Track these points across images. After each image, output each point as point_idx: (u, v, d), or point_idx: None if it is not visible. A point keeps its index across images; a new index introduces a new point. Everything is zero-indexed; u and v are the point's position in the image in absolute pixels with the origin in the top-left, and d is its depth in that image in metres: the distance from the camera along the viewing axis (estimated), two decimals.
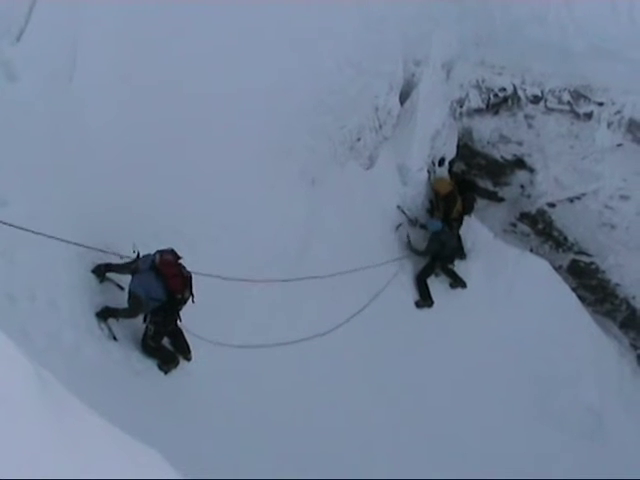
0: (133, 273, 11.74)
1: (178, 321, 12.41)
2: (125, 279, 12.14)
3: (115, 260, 12.06)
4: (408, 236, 19.22)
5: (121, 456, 4.18)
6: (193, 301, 12.11)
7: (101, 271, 12.03)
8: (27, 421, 3.57)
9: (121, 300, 12.11)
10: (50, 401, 3.88)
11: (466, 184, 20.76)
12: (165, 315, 12.15)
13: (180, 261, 11.97)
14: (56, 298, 11.11)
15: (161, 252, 11.87)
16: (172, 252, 11.95)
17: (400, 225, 19.30)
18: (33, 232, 9.94)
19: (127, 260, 11.77)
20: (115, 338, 11.87)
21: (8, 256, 10.58)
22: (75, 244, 10.92)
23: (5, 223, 9.33)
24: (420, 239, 19.24)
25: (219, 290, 13.36)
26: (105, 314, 11.80)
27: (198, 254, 13.52)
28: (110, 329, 11.84)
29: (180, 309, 12.15)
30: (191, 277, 12.00)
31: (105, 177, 12.67)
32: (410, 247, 19.13)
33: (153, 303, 11.85)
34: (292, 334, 14.53)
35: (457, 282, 19.75)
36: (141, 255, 11.80)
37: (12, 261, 10.62)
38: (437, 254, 19.15)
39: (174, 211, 13.66)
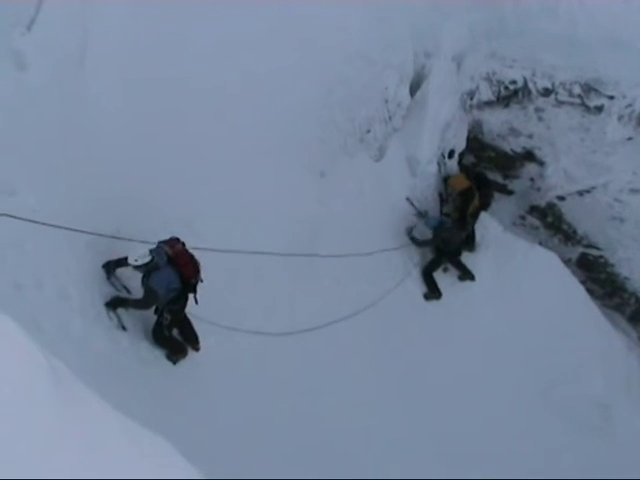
0: (150, 271, 11.71)
1: (190, 308, 12.49)
2: (134, 278, 12.19)
3: (125, 249, 12.04)
4: (412, 227, 19.15)
5: (129, 444, 4.20)
6: (202, 280, 12.27)
7: (111, 267, 11.99)
8: (39, 410, 3.58)
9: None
10: (61, 390, 3.89)
11: (482, 179, 20.68)
12: (181, 302, 12.28)
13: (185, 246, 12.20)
14: (65, 287, 11.13)
15: (166, 243, 11.99)
16: (178, 240, 12.13)
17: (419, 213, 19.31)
18: (41, 223, 9.94)
19: (142, 259, 11.64)
20: (124, 328, 11.86)
21: (17, 245, 10.59)
22: (82, 232, 10.90)
23: (12, 216, 9.31)
24: (424, 230, 19.18)
25: (229, 279, 13.43)
26: (115, 303, 11.78)
27: (206, 245, 13.55)
28: (120, 318, 11.83)
29: (195, 292, 12.30)
30: (197, 260, 12.20)
31: (114, 166, 12.68)
32: (410, 235, 19.10)
33: (172, 294, 11.99)
34: (300, 324, 14.59)
35: (466, 275, 19.73)
36: (146, 250, 11.72)
37: (21, 250, 10.64)
38: (442, 249, 19.16)
39: (183, 202, 13.66)
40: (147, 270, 11.67)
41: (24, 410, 3.47)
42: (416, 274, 19.21)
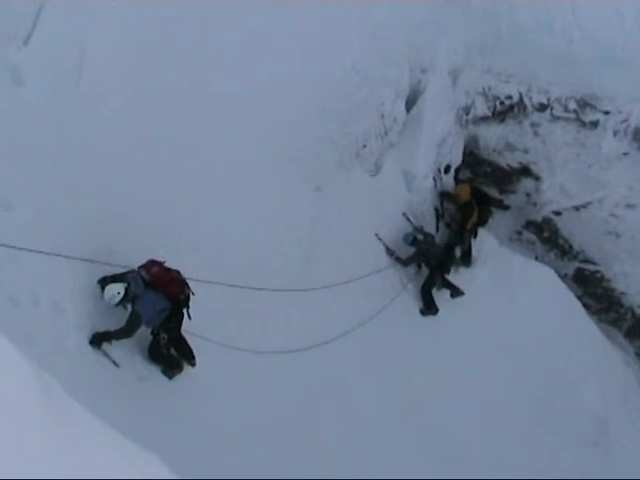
0: (133, 300, 11.64)
1: (186, 325, 12.41)
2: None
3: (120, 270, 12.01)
4: (390, 248, 19.08)
5: (122, 463, 4.18)
6: (193, 293, 12.23)
7: (106, 282, 11.76)
8: (27, 426, 3.58)
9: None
10: (51, 406, 3.88)
11: (482, 196, 20.69)
12: (175, 320, 12.22)
13: (165, 264, 12.11)
14: (61, 302, 11.12)
15: (143, 267, 11.94)
16: (154, 262, 12.06)
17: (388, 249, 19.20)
18: (31, 251, 9.98)
19: (115, 298, 11.47)
20: (116, 364, 11.66)
21: (13, 260, 10.58)
22: (74, 259, 10.90)
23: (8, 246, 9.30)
24: (400, 244, 19.13)
25: (224, 296, 13.39)
26: (98, 340, 11.47)
27: (203, 260, 13.56)
28: (107, 354, 11.62)
29: (188, 307, 12.24)
30: (182, 277, 12.15)
31: (110, 183, 12.68)
32: (392, 254, 19.02)
33: (162, 314, 11.95)
34: (296, 341, 14.61)
35: (456, 291, 19.70)
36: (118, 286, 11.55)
37: (17, 265, 10.62)
38: (428, 264, 19.20)
39: (179, 217, 13.66)
40: (130, 300, 11.62)
41: (11, 426, 3.46)
42: (412, 289, 19.21)
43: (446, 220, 20.62)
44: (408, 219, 19.44)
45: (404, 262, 18.87)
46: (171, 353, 12.57)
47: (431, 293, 19.17)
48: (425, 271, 19.42)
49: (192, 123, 14.39)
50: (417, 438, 15.63)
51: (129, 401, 11.19)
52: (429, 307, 19.13)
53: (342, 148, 17.87)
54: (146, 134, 13.55)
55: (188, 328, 12.53)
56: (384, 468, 14.14)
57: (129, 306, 11.70)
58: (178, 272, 12.13)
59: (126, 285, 11.51)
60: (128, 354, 12.05)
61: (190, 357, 12.82)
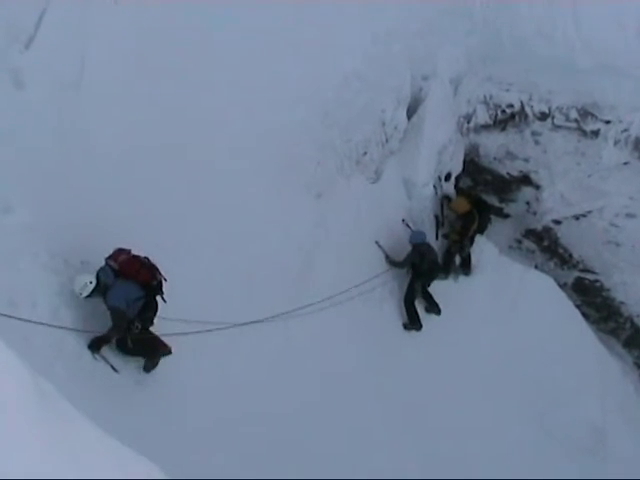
0: (104, 292, 11.43)
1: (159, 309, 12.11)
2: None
3: None
4: (384, 250, 19.00)
5: (117, 467, 4.18)
6: (165, 279, 11.99)
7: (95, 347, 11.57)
8: (24, 430, 3.57)
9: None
10: (47, 410, 3.88)
11: (482, 204, 20.68)
12: (150, 308, 11.96)
13: (132, 252, 11.89)
14: (59, 306, 11.13)
15: (111, 257, 11.70)
16: (120, 250, 11.82)
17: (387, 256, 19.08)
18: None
19: (85, 288, 11.23)
20: (115, 369, 11.66)
21: (12, 264, 10.60)
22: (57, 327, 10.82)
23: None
24: (399, 251, 19.05)
25: (223, 301, 13.39)
26: (96, 345, 11.46)
27: (202, 265, 13.56)
28: (106, 359, 11.61)
29: (162, 293, 12.02)
30: (151, 262, 11.96)
31: (110, 187, 12.70)
32: (388, 260, 18.90)
33: (137, 303, 11.70)
34: (295, 343, 14.63)
35: (432, 307, 19.33)
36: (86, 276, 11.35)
37: (16, 269, 10.65)
38: (417, 269, 18.85)
39: (178, 222, 13.65)
40: (101, 292, 11.41)
41: (7, 429, 3.47)
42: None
43: (443, 232, 20.58)
44: (407, 226, 19.37)
45: (400, 264, 18.73)
46: (143, 345, 12.11)
47: (414, 305, 18.83)
48: (407, 277, 19.13)
49: (192, 128, 14.40)
50: (416, 446, 15.61)
51: (125, 405, 11.20)
52: (413, 321, 18.72)
53: (343, 155, 17.88)
54: (145, 140, 13.55)
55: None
56: (380, 475, 14.12)
57: (101, 299, 11.46)
58: (147, 258, 11.93)
59: (96, 275, 11.36)
60: (124, 358, 12.03)
61: (164, 346, 12.30)
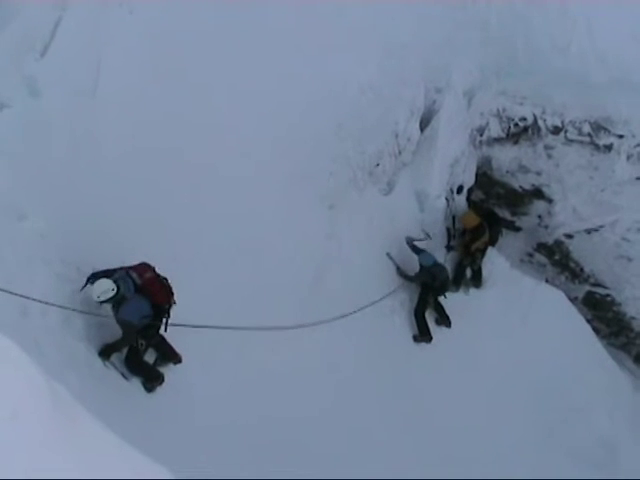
0: (119, 303, 11.32)
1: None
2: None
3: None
4: (395, 262, 18.96)
5: (129, 470, 4.20)
6: (175, 303, 11.93)
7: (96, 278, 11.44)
8: (38, 433, 3.60)
9: None
10: (61, 415, 3.91)
11: (493, 217, 20.65)
12: (154, 328, 11.94)
13: (156, 270, 11.89)
14: (69, 314, 11.14)
15: (134, 269, 11.67)
16: (147, 266, 11.83)
17: (398, 268, 19.00)
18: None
19: (105, 294, 11.13)
20: (125, 376, 11.75)
21: (24, 270, 10.63)
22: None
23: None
24: (412, 264, 18.98)
25: (234, 308, 13.38)
26: (107, 352, 11.56)
27: (214, 275, 13.56)
28: (116, 366, 11.68)
29: (168, 316, 11.94)
30: (169, 284, 11.91)
31: (122, 195, 12.75)
32: (399, 271, 18.88)
33: (144, 321, 11.63)
34: (306, 355, 14.61)
35: (443, 319, 19.27)
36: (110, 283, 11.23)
37: (28, 276, 10.68)
38: (428, 285, 18.75)
39: (190, 232, 13.68)
40: (115, 302, 11.30)
41: (21, 431, 3.48)
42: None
43: (451, 244, 20.51)
44: (391, 259, 19.07)
45: (411, 279, 18.69)
46: (148, 363, 12.33)
47: (425, 318, 18.75)
48: (418, 290, 19.00)
49: (206, 138, 14.43)
50: (425, 456, 15.57)
51: (136, 410, 11.25)
52: (423, 333, 18.64)
53: (356, 166, 17.86)
54: (159, 150, 13.61)
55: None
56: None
57: (111, 309, 11.41)
58: (166, 279, 11.91)
59: (116, 284, 11.24)
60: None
61: (174, 356, 12.63)
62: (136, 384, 12.04)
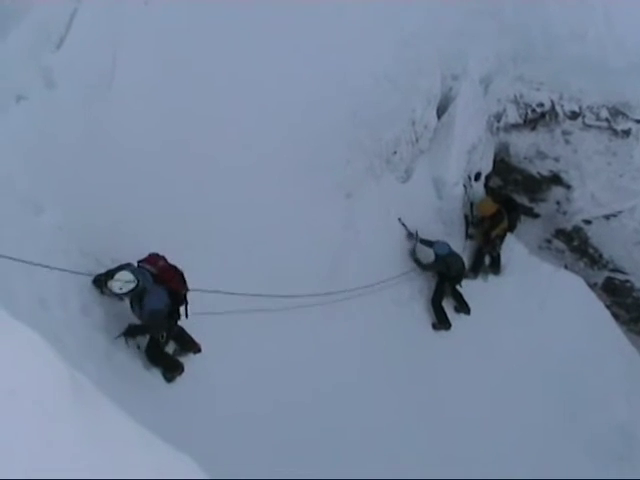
0: (140, 295, 11.24)
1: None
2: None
3: None
4: (415, 247, 18.78)
5: (152, 460, 4.22)
6: (188, 289, 11.89)
7: (101, 282, 11.44)
8: (62, 422, 3.62)
9: None
10: (83, 403, 3.93)
11: (511, 203, 20.59)
12: (174, 317, 11.95)
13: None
14: (88, 304, 11.20)
15: (147, 261, 11.69)
16: (158, 256, 11.82)
17: (410, 234, 18.85)
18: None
19: (127, 285, 11.04)
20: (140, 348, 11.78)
21: (43, 263, 10.67)
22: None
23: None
24: (428, 252, 18.90)
25: (250, 298, 13.39)
26: (133, 332, 11.55)
27: (230, 265, 13.58)
28: (139, 346, 11.75)
29: (186, 304, 11.96)
30: (181, 271, 11.87)
31: (139, 187, 12.79)
32: (414, 256, 18.67)
33: (165, 310, 11.63)
34: (322, 347, 14.63)
35: (462, 307, 19.22)
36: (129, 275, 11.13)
37: (48, 268, 10.72)
38: (444, 275, 18.70)
39: (207, 222, 13.69)
40: (135, 295, 11.22)
41: (46, 421, 3.51)
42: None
43: (470, 233, 20.44)
44: (403, 224, 18.97)
45: (424, 267, 18.57)
46: (168, 354, 12.36)
47: (442, 306, 18.73)
48: (435, 278, 18.98)
49: (223, 130, 14.46)
50: (442, 444, 15.57)
51: (156, 400, 11.29)
52: (441, 321, 18.64)
53: (372, 154, 17.83)
54: (175, 140, 13.64)
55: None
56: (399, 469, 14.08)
57: (130, 306, 11.41)
58: (176, 267, 11.87)
59: (136, 277, 11.18)
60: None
61: (193, 345, 12.62)
62: (156, 374, 12.07)
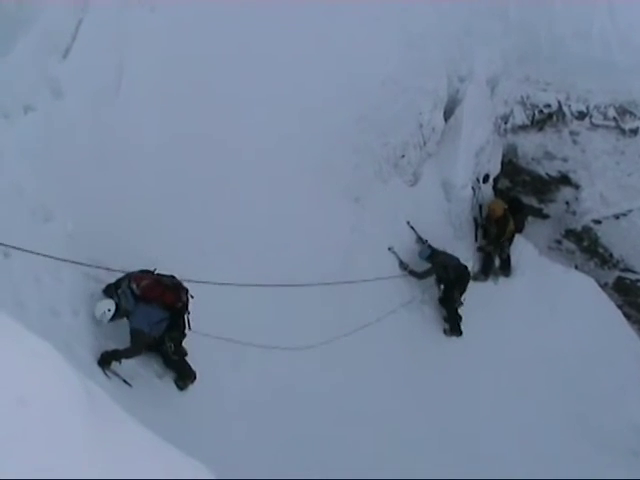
0: (126, 315, 11.37)
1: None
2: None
3: None
4: (402, 261, 18.33)
5: (165, 468, 4.22)
6: (192, 296, 11.85)
7: (111, 291, 11.52)
8: (74, 431, 3.62)
9: None
10: (94, 411, 3.92)
11: (517, 204, 20.57)
12: (177, 327, 11.93)
13: (156, 272, 11.86)
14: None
15: (132, 279, 11.58)
16: (143, 273, 11.77)
17: (419, 238, 18.73)
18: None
19: (106, 316, 11.12)
20: (127, 382, 11.25)
21: (54, 273, 10.69)
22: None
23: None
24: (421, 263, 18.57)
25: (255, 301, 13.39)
26: (106, 360, 11.02)
27: (241, 269, 13.57)
28: (117, 374, 11.21)
29: (188, 312, 11.92)
30: (180, 282, 11.82)
31: (148, 194, 12.80)
32: (408, 269, 18.22)
33: (162, 324, 11.67)
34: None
35: (454, 330, 18.68)
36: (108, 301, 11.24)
37: (57, 277, 10.74)
38: (446, 281, 18.46)
39: (218, 228, 13.72)
40: (123, 316, 11.34)
41: (56, 429, 3.51)
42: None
43: (480, 244, 20.32)
44: (412, 228, 18.90)
45: (419, 275, 18.24)
46: (185, 361, 12.24)
47: (457, 312, 18.58)
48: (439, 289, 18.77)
49: (230, 135, 14.48)
50: (455, 447, 15.55)
51: (168, 408, 11.29)
52: (453, 329, 18.55)
53: (380, 158, 17.87)
54: (183, 146, 13.66)
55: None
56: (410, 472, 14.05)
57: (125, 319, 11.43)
58: (173, 277, 11.83)
59: (116, 301, 11.23)
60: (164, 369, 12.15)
61: (190, 375, 12.33)
62: (167, 382, 12.08)
